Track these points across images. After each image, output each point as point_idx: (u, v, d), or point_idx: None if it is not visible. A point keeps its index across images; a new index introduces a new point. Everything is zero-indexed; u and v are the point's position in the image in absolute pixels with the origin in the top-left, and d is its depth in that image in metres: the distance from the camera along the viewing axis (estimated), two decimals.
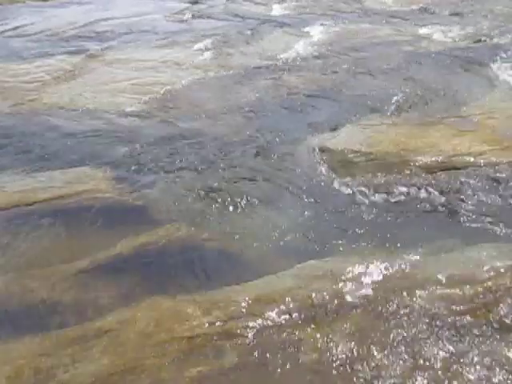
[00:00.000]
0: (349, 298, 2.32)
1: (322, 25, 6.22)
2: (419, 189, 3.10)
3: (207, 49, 5.57)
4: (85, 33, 6.28)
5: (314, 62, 5.10)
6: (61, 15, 7.10)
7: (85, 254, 2.68)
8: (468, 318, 2.21)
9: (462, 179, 3.15)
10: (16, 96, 4.57)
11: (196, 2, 7.58)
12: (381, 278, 2.42)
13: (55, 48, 5.74)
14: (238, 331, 2.19)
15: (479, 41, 5.49)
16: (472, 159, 3.30)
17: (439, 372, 2.01)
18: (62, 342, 2.21)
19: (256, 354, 2.10)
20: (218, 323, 2.23)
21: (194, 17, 6.88)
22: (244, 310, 2.28)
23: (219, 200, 3.08)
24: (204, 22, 6.62)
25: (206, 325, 2.22)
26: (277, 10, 7.05)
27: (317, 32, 6.03)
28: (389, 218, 2.89)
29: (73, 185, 3.25)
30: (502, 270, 2.42)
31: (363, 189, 3.13)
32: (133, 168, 3.43)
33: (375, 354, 2.07)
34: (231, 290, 2.42)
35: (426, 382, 1.98)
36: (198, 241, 2.76)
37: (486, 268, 2.44)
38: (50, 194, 3.16)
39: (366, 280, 2.41)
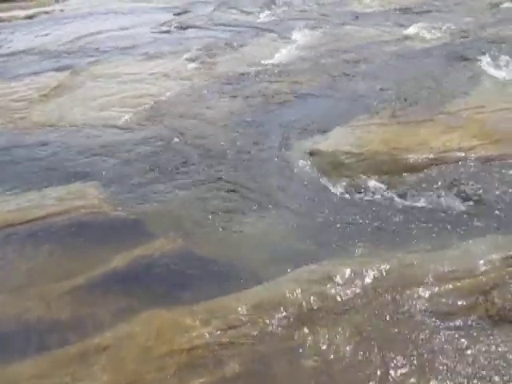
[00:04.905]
0: (348, 301, 2.31)
1: (308, 30, 6.26)
2: (411, 186, 3.11)
3: (195, 59, 5.59)
4: (72, 48, 6.29)
5: (302, 66, 5.12)
6: (47, 32, 7.12)
7: (80, 270, 2.67)
8: (468, 312, 2.21)
9: (454, 175, 3.16)
10: (5, 115, 4.56)
11: (182, 13, 7.61)
12: (379, 278, 2.41)
13: (43, 65, 5.75)
14: (238, 340, 2.18)
15: (463, 37, 5.53)
16: (463, 154, 3.32)
17: (440, 370, 2.01)
18: (61, 361, 2.19)
19: (257, 361, 2.09)
20: (217, 333, 2.21)
21: (180, 27, 6.90)
22: (243, 318, 2.27)
23: (212, 209, 3.08)
24: (191, 32, 6.65)
25: (206, 335, 2.21)
26: (263, 18, 7.10)
27: (303, 37, 6.07)
28: (383, 217, 2.89)
29: (65, 202, 3.23)
30: (500, 263, 2.42)
31: (355, 189, 3.14)
32: (125, 182, 3.42)
33: (377, 355, 2.07)
34: (229, 298, 2.40)
35: (427, 380, 1.98)
36: (194, 251, 2.75)
37: (483, 261, 2.43)
38: (43, 211, 3.14)
39: (365, 281, 2.40)
